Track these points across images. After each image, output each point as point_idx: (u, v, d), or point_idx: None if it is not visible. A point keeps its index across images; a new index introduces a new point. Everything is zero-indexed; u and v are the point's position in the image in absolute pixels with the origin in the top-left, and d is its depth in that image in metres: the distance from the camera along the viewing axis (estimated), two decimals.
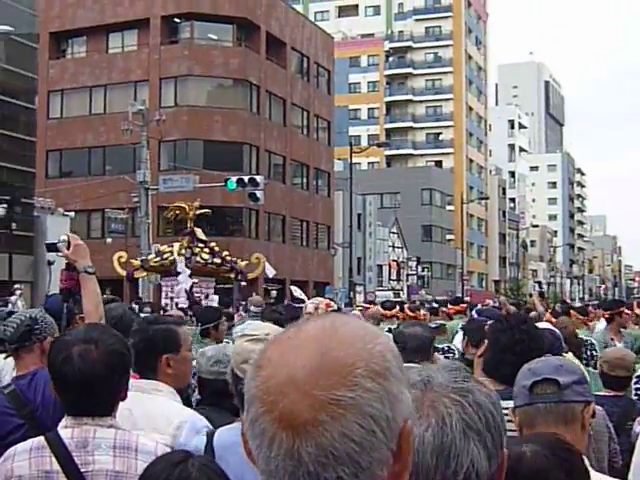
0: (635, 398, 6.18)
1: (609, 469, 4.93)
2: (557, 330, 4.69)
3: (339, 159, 69.07)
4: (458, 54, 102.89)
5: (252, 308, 14.45)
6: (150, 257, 22.39)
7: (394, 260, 75.61)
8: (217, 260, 21.49)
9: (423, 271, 79.93)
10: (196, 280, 20.25)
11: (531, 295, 44.88)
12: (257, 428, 1.25)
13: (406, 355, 5.16)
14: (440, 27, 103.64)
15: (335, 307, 8.04)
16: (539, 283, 23.57)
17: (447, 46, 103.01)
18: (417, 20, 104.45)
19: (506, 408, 2.88)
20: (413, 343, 5.38)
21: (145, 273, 22.56)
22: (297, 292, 14.80)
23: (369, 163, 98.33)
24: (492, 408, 1.69)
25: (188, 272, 19.68)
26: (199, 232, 21.63)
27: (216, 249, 21.69)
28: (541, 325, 5.09)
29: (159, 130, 40.17)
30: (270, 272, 22.02)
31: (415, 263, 77.17)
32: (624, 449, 5.16)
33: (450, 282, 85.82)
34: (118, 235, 46.77)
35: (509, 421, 2.85)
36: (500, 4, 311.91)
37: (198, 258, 20.79)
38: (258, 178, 31.86)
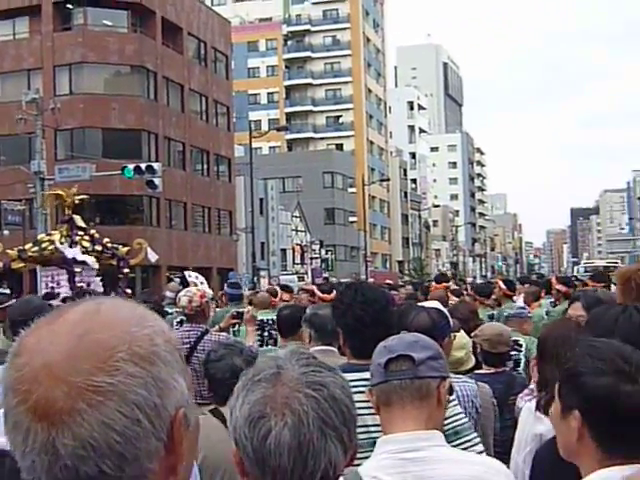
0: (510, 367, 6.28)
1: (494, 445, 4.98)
2: (444, 309, 4.70)
3: (240, 144, 68.79)
4: (356, 37, 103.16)
5: (168, 294, 14.36)
6: (28, 247, 21.86)
7: (297, 244, 75.68)
8: (98, 247, 21.20)
9: (327, 254, 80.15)
10: (78, 269, 19.92)
11: (442, 274, 45.55)
12: (10, 421, 1.16)
13: (320, 337, 5.17)
14: (337, 10, 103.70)
15: (210, 297, 7.96)
16: (452, 264, 23.83)
17: (345, 29, 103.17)
18: (314, 4, 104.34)
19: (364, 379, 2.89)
20: (328, 326, 5.30)
21: (23, 264, 21.96)
22: (192, 277, 14.61)
23: (270, 148, 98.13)
24: (347, 401, 1.68)
25: (74, 251, 19.34)
26: (78, 219, 21.27)
27: (96, 236, 21.37)
28: (428, 304, 5.09)
29: (55, 119, 39.43)
30: (152, 257, 21.87)
31: (318, 246, 77.35)
32: (508, 425, 5.16)
33: (354, 264, 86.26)
34: (15, 227, 45.79)
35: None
36: None
37: (79, 247, 20.44)
38: (155, 165, 31.58)
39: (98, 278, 21.10)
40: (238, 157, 65.85)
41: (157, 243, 50.52)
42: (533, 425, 3.91)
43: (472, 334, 5.70)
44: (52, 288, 19.38)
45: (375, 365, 2.74)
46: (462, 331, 5.31)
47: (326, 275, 60.82)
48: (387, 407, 2.70)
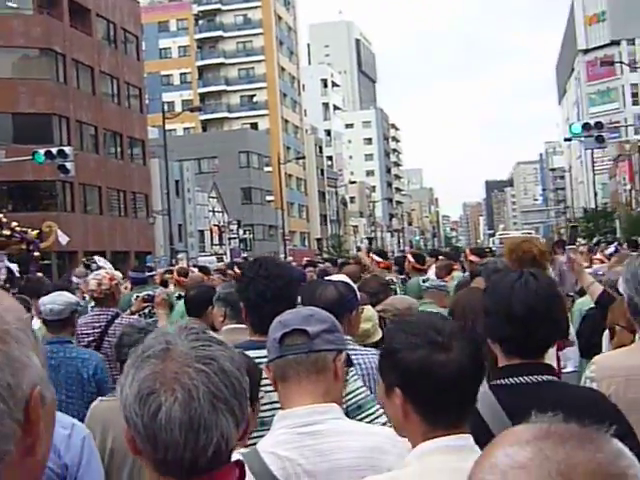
0: None
1: None
2: (351, 282, 4.74)
3: (153, 126, 68.10)
4: (267, 15, 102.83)
5: (74, 279, 14.21)
6: None
7: (215, 225, 75.41)
8: (6, 232, 20.88)
9: (245, 234, 79.98)
10: None
11: (359, 249, 45.74)
12: None
13: (235, 315, 5.14)
14: None
15: (119, 280, 7.89)
16: (369, 239, 24.02)
17: (256, 7, 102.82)
18: None
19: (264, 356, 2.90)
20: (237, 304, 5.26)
21: None
22: (101, 262, 14.51)
23: (185, 129, 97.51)
24: (237, 373, 1.66)
25: None
26: None
27: (4, 220, 21.02)
28: (335, 277, 5.11)
29: None
30: (63, 240, 21.63)
31: (236, 226, 77.15)
32: None
33: (273, 243, 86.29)
34: None
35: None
36: None
37: None
38: (67, 149, 31.14)
39: (11, 264, 20.72)
40: (152, 139, 65.19)
41: (72, 228, 49.82)
42: None
43: (379, 308, 5.69)
44: None
45: (271, 340, 2.72)
46: (370, 305, 5.32)
47: (245, 255, 60.62)
48: (284, 382, 2.69)
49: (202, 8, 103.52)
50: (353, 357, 4.51)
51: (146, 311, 9.26)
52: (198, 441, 1.60)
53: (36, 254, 21.72)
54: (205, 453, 1.61)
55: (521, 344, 2.85)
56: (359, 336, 4.76)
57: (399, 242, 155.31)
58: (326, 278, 5.32)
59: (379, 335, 5.07)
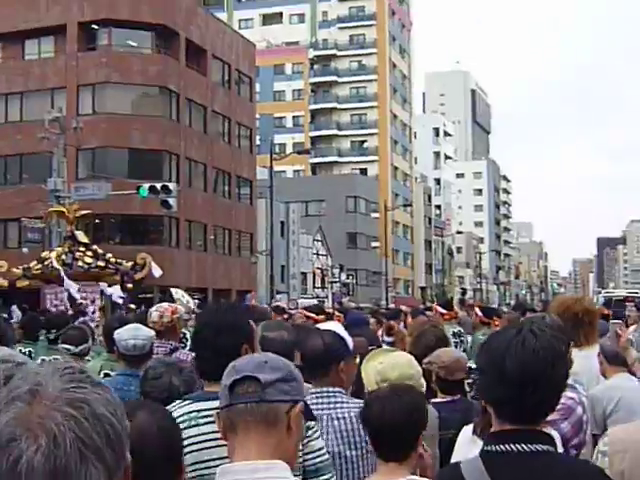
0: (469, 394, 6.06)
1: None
2: (342, 331, 4.61)
3: (264, 167, 68.61)
4: (382, 62, 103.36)
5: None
6: (32, 265, 21.84)
7: (318, 268, 75.49)
8: (101, 263, 21.12)
9: (348, 278, 79.87)
10: (78, 286, 19.77)
11: (461, 301, 45.29)
12: None
13: None
14: (364, 35, 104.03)
15: (181, 314, 7.78)
16: (463, 290, 23.74)
17: (371, 54, 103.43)
18: (341, 28, 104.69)
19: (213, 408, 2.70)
20: (276, 348, 5.13)
21: (28, 282, 21.90)
22: (178, 294, 14.38)
23: (294, 171, 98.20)
24: (113, 419, 1.46)
25: (68, 282, 19.26)
26: (80, 235, 21.25)
27: (99, 252, 21.26)
28: (326, 326, 4.99)
29: (77, 138, 39.60)
30: (156, 272, 21.70)
31: (338, 270, 77.13)
32: None
33: (376, 289, 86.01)
34: (35, 245, 45.82)
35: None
36: (425, 13, 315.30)
37: (80, 262, 20.34)
38: (171, 185, 31.55)
39: (117, 291, 20.90)
40: (261, 180, 65.74)
41: (176, 264, 50.65)
42: (469, 448, 3.75)
43: (425, 360, 5.47)
44: (56, 306, 19.29)
45: (222, 387, 2.52)
46: (413, 359, 5.12)
47: (341, 300, 60.43)
48: (232, 433, 2.47)
49: (318, 53, 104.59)
50: (339, 410, 4.34)
51: None
52: None
53: (129, 285, 21.94)
54: None
55: (515, 408, 2.57)
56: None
57: (505, 295, 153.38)
58: (316, 326, 5.22)
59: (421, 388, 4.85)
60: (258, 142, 70.09)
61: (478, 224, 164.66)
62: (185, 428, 3.43)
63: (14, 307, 34.70)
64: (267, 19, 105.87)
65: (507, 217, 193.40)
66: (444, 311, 11.19)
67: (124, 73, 52.81)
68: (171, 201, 31.11)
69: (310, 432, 3.60)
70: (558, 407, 2.80)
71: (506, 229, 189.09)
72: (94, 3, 52.74)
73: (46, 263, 20.62)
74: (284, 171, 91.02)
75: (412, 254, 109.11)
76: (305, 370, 4.65)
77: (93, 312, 19.90)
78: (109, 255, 21.69)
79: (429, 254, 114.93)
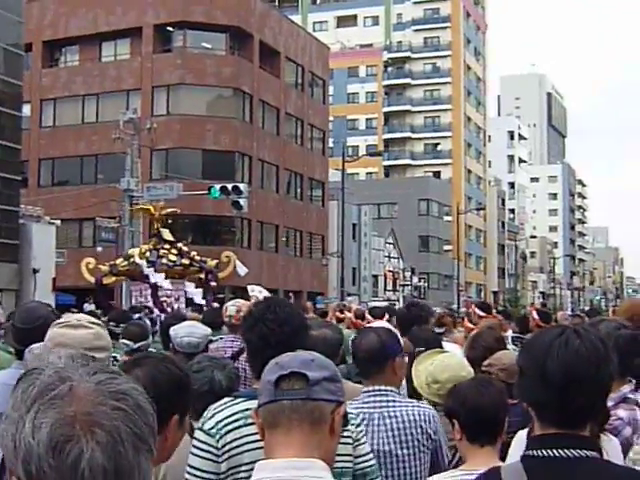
0: None
1: None
2: (394, 329, 4.55)
3: (337, 169, 68.72)
4: (457, 65, 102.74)
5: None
6: (119, 262, 22.11)
7: (390, 270, 75.27)
8: (185, 261, 21.28)
9: (419, 281, 79.52)
10: (166, 283, 19.93)
11: (532, 304, 44.75)
12: None
13: None
14: (439, 37, 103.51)
15: None
16: (542, 294, 23.27)
17: (446, 57, 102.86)
18: (416, 30, 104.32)
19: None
20: (321, 347, 5.08)
21: (114, 279, 22.24)
22: (255, 291, 14.27)
23: (367, 173, 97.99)
24: (150, 407, 1.41)
25: (156, 274, 19.41)
26: (166, 233, 21.40)
27: (184, 249, 21.40)
28: (376, 324, 4.94)
29: (151, 139, 39.99)
30: (242, 271, 21.74)
31: (410, 273, 76.82)
32: None
33: (447, 293, 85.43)
34: (109, 244, 46.38)
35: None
36: (500, 15, 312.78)
37: (165, 260, 20.51)
38: (241, 186, 31.66)
39: (198, 290, 21.02)
40: (333, 182, 65.79)
41: (248, 264, 50.42)
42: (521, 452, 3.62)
43: (485, 363, 5.32)
44: (140, 302, 19.47)
45: (264, 383, 2.41)
46: (465, 361, 5.06)
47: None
48: (272, 430, 2.37)
49: (392, 55, 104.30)
50: (392, 408, 4.31)
51: None
52: None
53: (213, 284, 22.00)
54: None
55: (557, 412, 2.42)
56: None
57: (579, 301, 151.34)
58: (366, 325, 5.17)
59: None
60: (331, 144, 70.17)
61: (552, 229, 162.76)
62: (240, 427, 3.36)
63: (86, 305, 35.24)
64: (341, 21, 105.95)
65: (582, 222, 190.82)
66: (482, 313, 10.89)
67: (198, 74, 53.25)
68: (242, 202, 31.23)
69: (360, 435, 3.55)
70: (606, 426, 2.66)
71: (581, 234, 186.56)
72: (169, 6, 53.28)
73: (132, 260, 20.86)
74: (357, 173, 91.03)
75: (485, 258, 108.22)
76: (359, 368, 4.61)
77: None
78: (194, 253, 21.87)
79: (502, 258, 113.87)
